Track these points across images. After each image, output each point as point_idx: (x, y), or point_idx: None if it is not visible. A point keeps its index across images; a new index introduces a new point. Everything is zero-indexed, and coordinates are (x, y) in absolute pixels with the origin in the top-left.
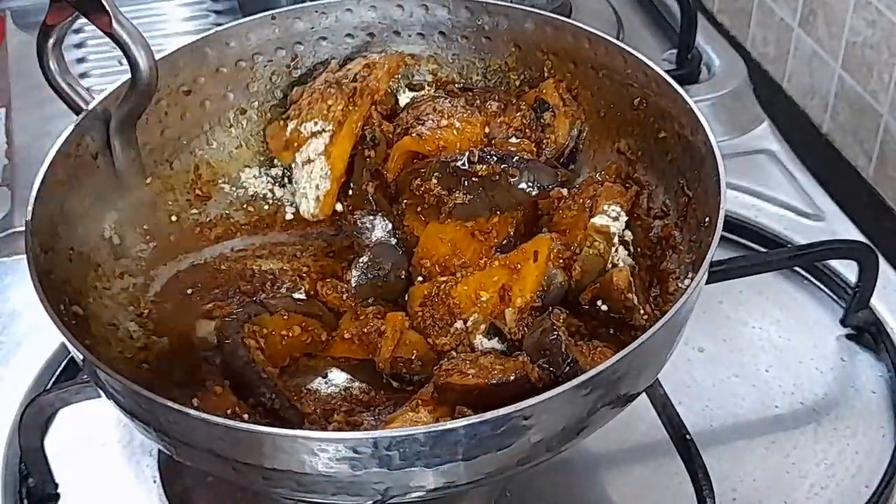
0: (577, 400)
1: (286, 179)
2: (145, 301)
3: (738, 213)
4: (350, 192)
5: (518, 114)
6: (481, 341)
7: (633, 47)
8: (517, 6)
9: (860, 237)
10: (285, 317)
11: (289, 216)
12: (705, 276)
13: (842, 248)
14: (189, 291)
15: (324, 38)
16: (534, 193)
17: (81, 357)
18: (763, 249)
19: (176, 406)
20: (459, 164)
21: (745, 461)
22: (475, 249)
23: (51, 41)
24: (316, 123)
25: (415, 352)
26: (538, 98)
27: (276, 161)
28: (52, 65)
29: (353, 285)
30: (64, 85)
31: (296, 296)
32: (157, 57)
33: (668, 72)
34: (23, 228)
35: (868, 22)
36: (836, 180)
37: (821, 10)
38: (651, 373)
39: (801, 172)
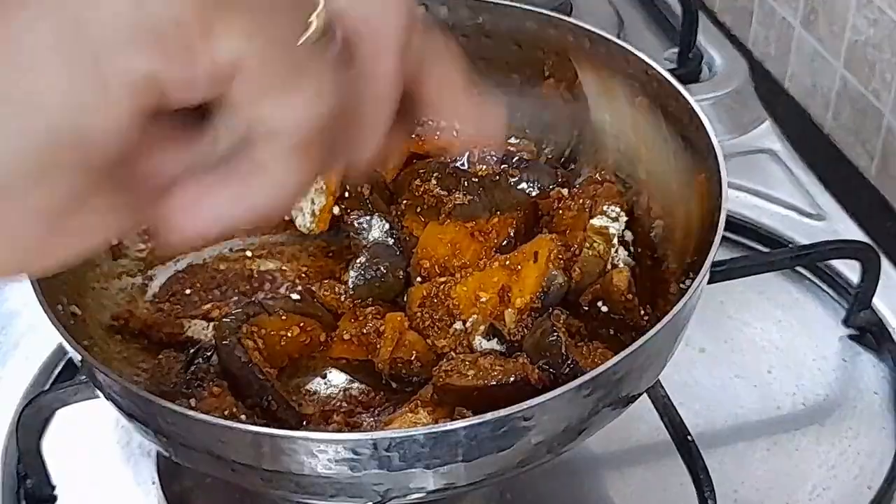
0: (577, 401)
1: None
2: (144, 301)
3: (739, 212)
4: (346, 195)
5: (518, 113)
6: (480, 342)
7: (634, 46)
8: (517, 5)
9: (862, 237)
10: (283, 317)
11: (288, 216)
12: (707, 277)
13: (844, 248)
14: (188, 292)
15: None
16: (534, 194)
17: (79, 357)
18: (765, 249)
19: (174, 407)
20: (459, 164)
21: (746, 462)
22: (475, 250)
23: None
24: None
25: (414, 352)
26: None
27: None
28: None
29: (351, 286)
30: None
31: (294, 296)
32: None
33: (669, 71)
34: None
35: (870, 21)
36: (838, 180)
37: (822, 9)
38: (652, 374)
39: (803, 172)
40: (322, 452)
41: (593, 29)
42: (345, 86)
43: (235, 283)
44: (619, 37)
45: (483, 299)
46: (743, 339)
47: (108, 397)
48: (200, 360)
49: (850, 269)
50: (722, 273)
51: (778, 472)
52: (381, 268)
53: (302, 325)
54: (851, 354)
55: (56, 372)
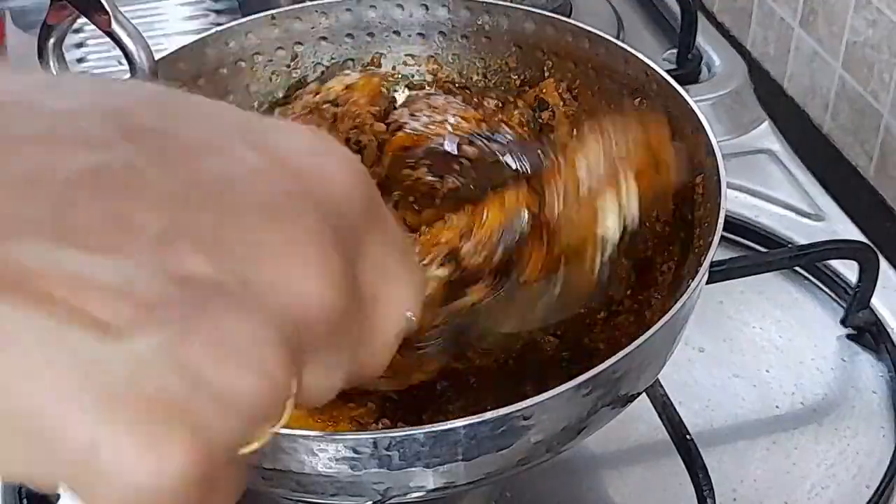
0: (577, 400)
1: None
2: None
3: (738, 213)
4: None
5: (516, 112)
6: (434, 272)
7: (634, 47)
8: (517, 6)
9: (861, 237)
10: None
11: None
12: (705, 277)
13: (842, 248)
14: None
15: (324, 38)
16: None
17: None
18: (763, 249)
19: None
20: (448, 148)
21: (745, 461)
22: None
23: (51, 41)
24: None
25: None
26: (538, 97)
27: None
28: (53, 65)
29: None
30: None
31: None
32: (157, 57)
33: (668, 71)
34: None
35: (869, 22)
36: (837, 180)
37: (821, 10)
38: (651, 373)
39: (802, 172)
40: (322, 451)
41: (593, 29)
42: None
43: None
44: (618, 37)
45: (444, 239)
46: (742, 338)
47: None
48: None
49: (848, 269)
50: (721, 273)
51: (777, 471)
52: None
53: None
54: (850, 354)
55: None
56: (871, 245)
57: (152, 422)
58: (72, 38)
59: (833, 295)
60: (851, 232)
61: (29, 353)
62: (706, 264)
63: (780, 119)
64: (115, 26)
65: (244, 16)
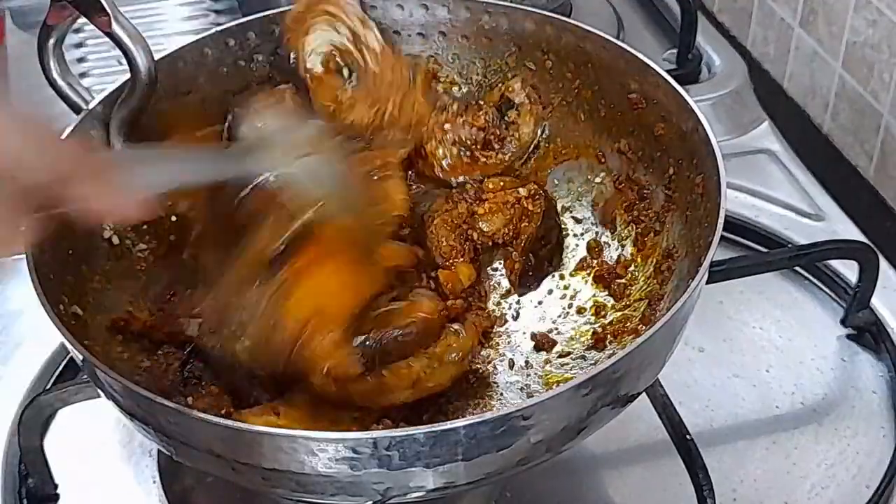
0: (576, 400)
1: None
2: (145, 302)
3: (738, 212)
4: None
5: (481, 112)
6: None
7: (634, 47)
8: (517, 6)
9: (860, 237)
10: None
11: None
12: (705, 276)
13: (842, 248)
14: (189, 292)
15: None
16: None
17: (81, 357)
18: (763, 249)
19: (175, 406)
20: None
21: (745, 461)
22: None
23: (51, 41)
24: None
25: None
26: (504, 96)
27: None
28: (53, 65)
29: None
30: (64, 85)
31: None
32: (157, 57)
33: (668, 71)
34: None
35: (869, 21)
36: (837, 180)
37: (821, 10)
38: (651, 373)
39: (802, 172)
40: (322, 451)
41: (593, 29)
42: None
43: None
44: (618, 37)
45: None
46: (742, 338)
47: (110, 397)
48: (199, 359)
49: (848, 269)
50: (721, 273)
51: (777, 471)
52: None
53: None
54: (850, 354)
55: (57, 372)
56: (871, 245)
57: None
58: (72, 38)
59: (833, 295)
60: (851, 232)
61: None
62: (706, 264)
63: (780, 119)
64: (115, 27)
65: (244, 16)
